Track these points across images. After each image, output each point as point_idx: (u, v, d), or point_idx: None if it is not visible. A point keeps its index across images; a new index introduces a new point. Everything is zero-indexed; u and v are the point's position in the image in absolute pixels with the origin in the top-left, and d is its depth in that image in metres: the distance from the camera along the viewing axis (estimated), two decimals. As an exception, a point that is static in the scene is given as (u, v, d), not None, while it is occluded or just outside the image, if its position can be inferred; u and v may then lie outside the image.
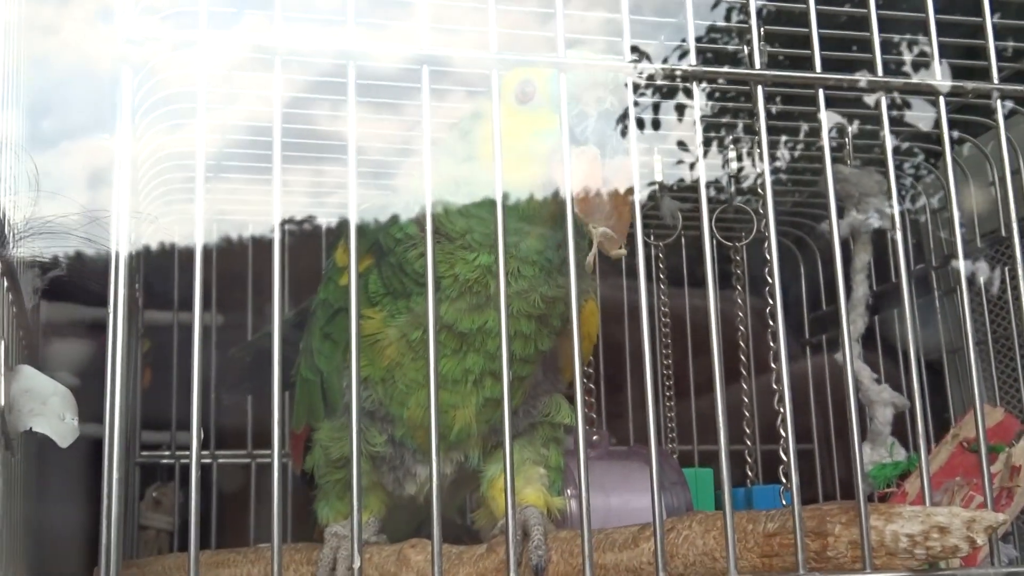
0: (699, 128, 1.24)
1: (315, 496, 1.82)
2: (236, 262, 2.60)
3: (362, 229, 1.61)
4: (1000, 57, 1.99)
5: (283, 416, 1.14)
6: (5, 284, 1.32)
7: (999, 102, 1.36)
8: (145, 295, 2.45)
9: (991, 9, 1.44)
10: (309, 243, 2.67)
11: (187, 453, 2.51)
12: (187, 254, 2.50)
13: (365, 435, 1.67)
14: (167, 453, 2.59)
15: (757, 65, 1.27)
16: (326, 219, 2.67)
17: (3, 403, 1.16)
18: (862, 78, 1.30)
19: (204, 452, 2.59)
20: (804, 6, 1.33)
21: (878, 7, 1.85)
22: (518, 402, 1.67)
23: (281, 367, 1.16)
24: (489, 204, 1.37)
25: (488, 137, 1.35)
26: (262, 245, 2.61)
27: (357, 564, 1.10)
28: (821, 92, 1.28)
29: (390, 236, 1.63)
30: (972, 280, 2.36)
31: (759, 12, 2.11)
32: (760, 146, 1.24)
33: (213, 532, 2.51)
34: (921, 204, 2.62)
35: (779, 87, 1.57)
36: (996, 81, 1.37)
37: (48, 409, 1.22)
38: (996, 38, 1.60)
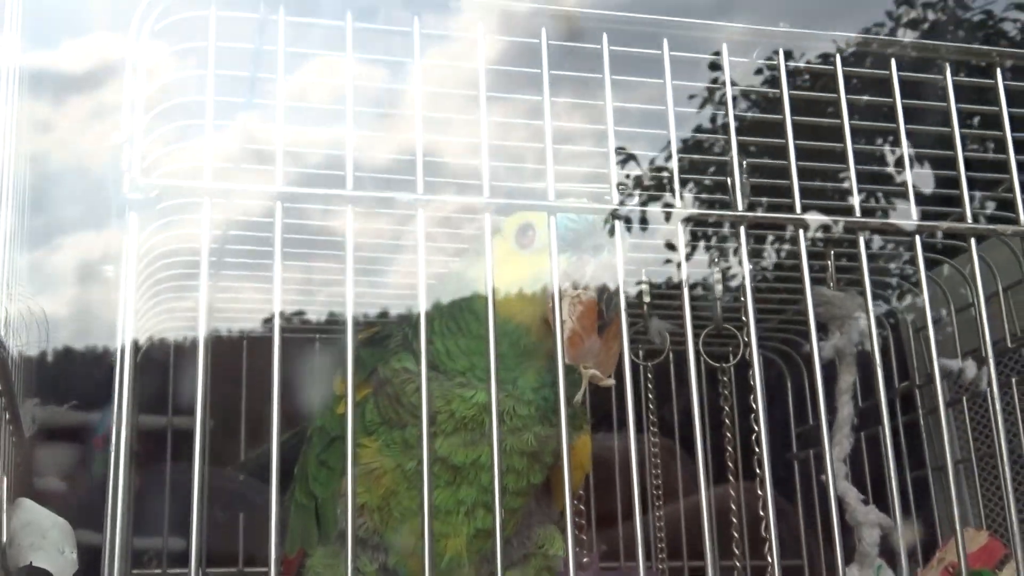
0: (684, 269, 1.28)
1: None
2: (228, 361, 2.61)
3: (360, 358, 1.65)
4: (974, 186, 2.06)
5: (279, 534, 1.14)
6: (6, 416, 1.35)
7: (974, 242, 1.41)
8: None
9: (963, 146, 1.49)
10: (299, 340, 2.68)
11: (179, 571, 2.54)
12: (181, 354, 2.50)
13: (357, 563, 1.68)
14: (158, 571, 2.56)
15: (740, 207, 1.32)
16: (316, 315, 2.69)
17: (4, 539, 1.18)
18: (841, 218, 1.35)
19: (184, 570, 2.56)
20: (782, 142, 1.39)
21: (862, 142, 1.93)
22: (510, 532, 1.70)
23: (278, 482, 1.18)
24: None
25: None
26: (255, 343, 2.62)
27: None
28: (802, 232, 1.33)
29: (388, 367, 1.66)
30: (955, 399, 2.41)
31: (743, 148, 2.19)
32: (749, 288, 1.29)
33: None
34: (903, 320, 2.66)
35: (763, 229, 1.63)
36: (970, 221, 1.42)
37: (48, 543, 1.24)
38: (973, 169, 1.67)
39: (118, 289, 1.21)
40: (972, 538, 1.80)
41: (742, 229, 1.31)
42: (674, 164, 1.31)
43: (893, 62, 1.48)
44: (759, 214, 1.33)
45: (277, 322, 1.20)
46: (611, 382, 1.52)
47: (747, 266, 1.30)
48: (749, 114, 2.01)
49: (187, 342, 2.56)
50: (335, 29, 1.30)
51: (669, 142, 1.36)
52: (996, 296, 2.23)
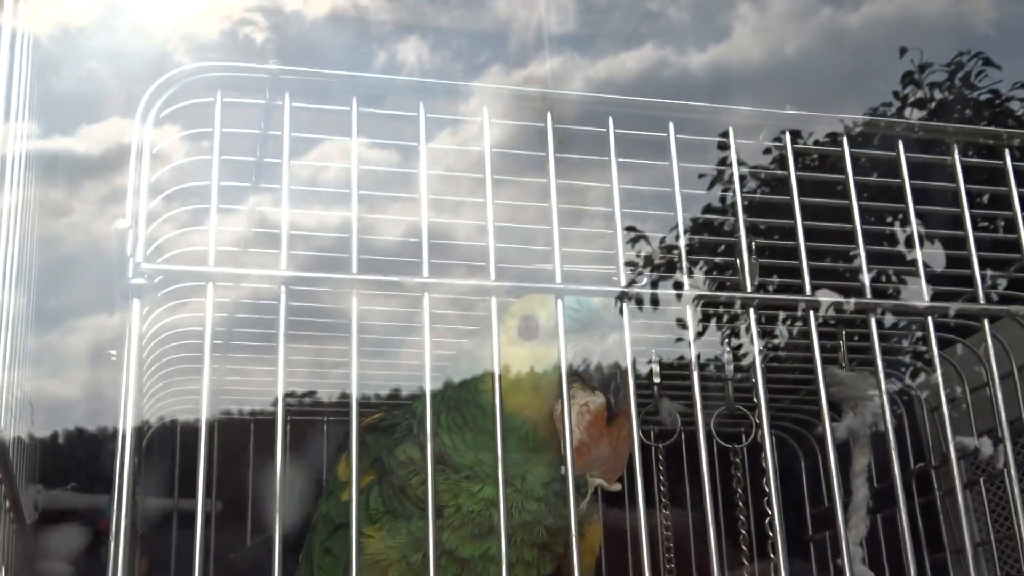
0: (694, 349, 1.27)
1: None
2: (236, 443, 2.60)
3: (365, 444, 1.64)
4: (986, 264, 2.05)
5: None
6: (6, 504, 1.33)
7: (987, 323, 1.40)
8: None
9: (974, 227, 1.49)
10: (307, 422, 2.67)
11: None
12: (188, 435, 2.49)
13: None
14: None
15: (749, 288, 1.32)
16: (327, 394, 2.68)
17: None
18: (852, 300, 1.34)
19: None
20: (791, 222, 1.38)
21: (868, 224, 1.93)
22: None
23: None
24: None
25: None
26: (263, 425, 2.61)
27: None
28: (812, 313, 1.32)
29: (393, 457, 1.65)
30: (974, 480, 2.37)
31: (752, 228, 2.19)
32: (760, 370, 1.28)
33: None
34: (917, 399, 2.64)
35: (772, 310, 1.61)
36: (982, 301, 1.41)
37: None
38: (984, 249, 1.66)
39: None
40: (993, 623, 1.76)
41: (751, 311, 1.31)
42: (682, 243, 1.30)
43: (900, 143, 1.48)
44: (769, 295, 1.32)
45: (281, 404, 1.19)
46: (618, 487, 1.52)
47: (757, 346, 1.29)
48: (758, 195, 1.99)
49: (195, 423, 2.55)
50: (344, 114, 1.30)
51: (677, 223, 1.36)
52: (1011, 375, 2.20)
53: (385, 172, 1.71)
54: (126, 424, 1.17)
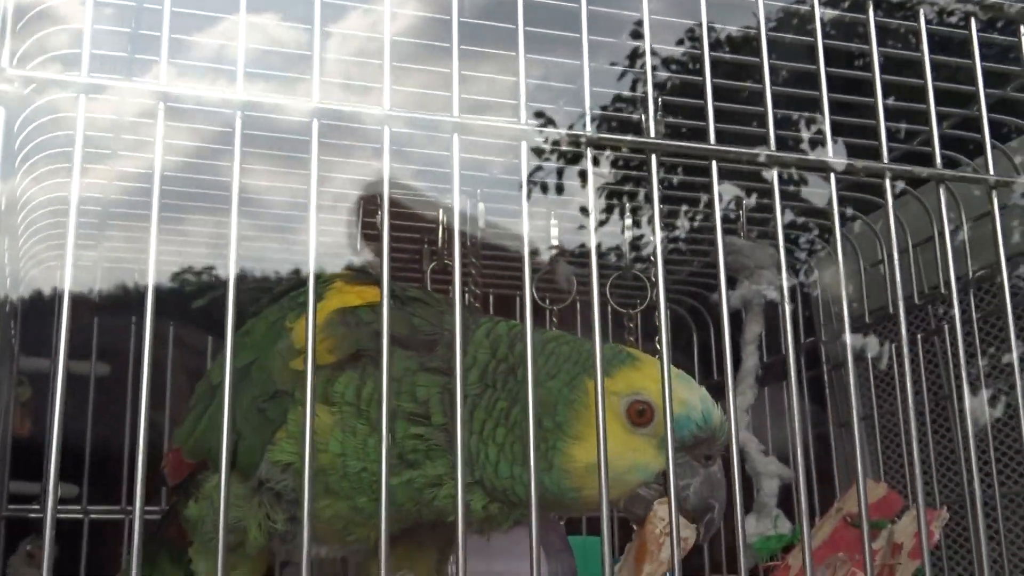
0: (592, 193, 1.22)
1: (194, 548, 1.76)
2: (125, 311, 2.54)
3: (347, 325, 1.55)
4: (893, 139, 2.05)
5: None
6: None
7: (889, 181, 1.38)
8: (26, 341, 2.37)
9: (883, 91, 1.46)
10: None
11: (59, 508, 2.46)
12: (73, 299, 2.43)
13: (269, 511, 1.61)
14: (36, 507, 2.47)
15: (652, 134, 1.27)
16: (224, 270, 2.62)
17: None
18: (756, 151, 1.30)
19: (75, 507, 2.50)
20: (700, 79, 1.33)
21: (780, 85, 1.89)
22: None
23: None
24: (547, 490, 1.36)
25: (583, 437, 1.41)
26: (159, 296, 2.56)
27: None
28: (715, 164, 1.28)
29: (410, 383, 1.52)
30: (860, 356, 2.40)
31: (661, 84, 2.15)
32: (658, 217, 1.23)
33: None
34: (813, 279, 2.66)
35: (677, 157, 1.57)
36: (887, 161, 1.38)
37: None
38: (890, 119, 1.63)
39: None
40: (871, 490, 1.79)
41: (653, 157, 1.26)
42: (585, 84, 1.24)
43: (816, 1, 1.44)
44: (672, 142, 1.27)
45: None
46: None
47: (657, 195, 1.25)
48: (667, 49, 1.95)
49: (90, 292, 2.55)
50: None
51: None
52: (906, 253, 2.22)
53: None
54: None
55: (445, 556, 1.70)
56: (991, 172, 1.47)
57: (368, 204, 2.32)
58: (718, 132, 1.31)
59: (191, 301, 2.28)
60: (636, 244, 2.47)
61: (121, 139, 2.03)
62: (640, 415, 1.43)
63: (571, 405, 1.44)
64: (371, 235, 2.30)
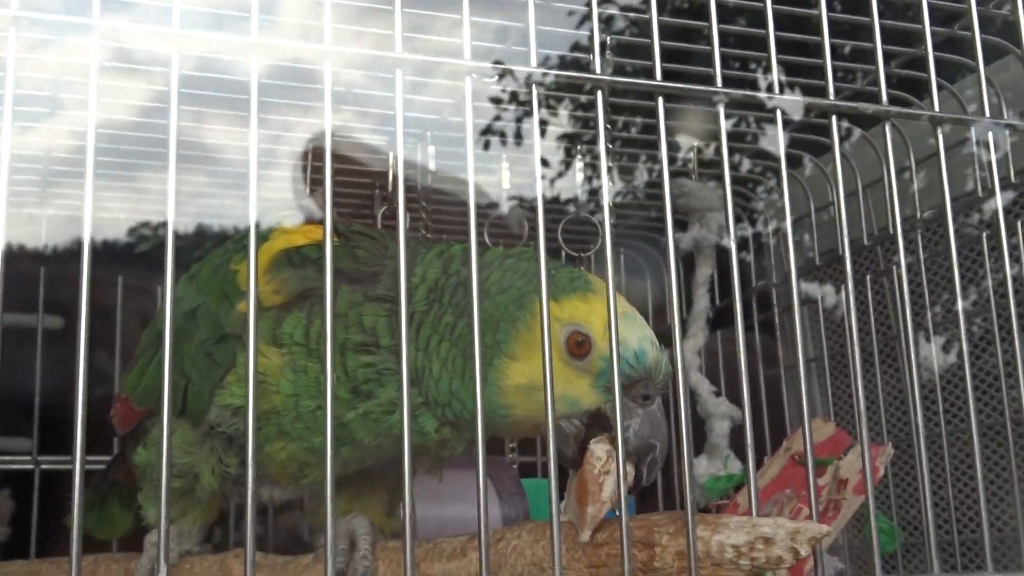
0: (536, 130, 1.22)
1: (143, 492, 1.75)
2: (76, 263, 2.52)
3: (298, 261, 1.54)
4: (843, 81, 2.05)
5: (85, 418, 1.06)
6: None
7: (835, 120, 1.38)
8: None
9: (831, 31, 1.45)
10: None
11: (10, 458, 2.45)
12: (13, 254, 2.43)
13: (221, 456, 1.62)
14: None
15: (599, 71, 1.26)
16: (183, 227, 2.60)
17: None
18: (703, 88, 1.30)
19: (26, 457, 2.48)
20: (647, 16, 1.32)
21: (726, 22, 1.88)
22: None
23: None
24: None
25: (519, 358, 1.40)
26: (111, 249, 2.55)
27: (162, 574, 1.04)
28: (661, 101, 1.27)
29: (356, 313, 1.51)
30: (810, 298, 2.41)
31: (608, 21, 2.13)
32: (605, 153, 1.23)
33: (33, 542, 2.41)
34: (767, 224, 2.66)
35: (629, 98, 1.56)
36: (833, 98, 1.38)
37: None
38: (841, 61, 1.63)
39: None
40: (819, 429, 1.81)
41: (600, 93, 1.25)
42: (530, 18, 1.23)
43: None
44: (618, 78, 1.26)
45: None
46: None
47: (603, 133, 1.24)
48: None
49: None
50: None
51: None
52: (856, 195, 2.23)
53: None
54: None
55: (396, 499, 1.71)
56: (936, 108, 1.47)
57: (318, 152, 2.31)
58: (674, 74, 1.30)
59: (135, 248, 2.27)
60: (594, 191, 2.47)
61: (71, 90, 2.01)
62: (578, 346, 1.40)
63: (514, 324, 1.43)
64: (319, 180, 2.28)
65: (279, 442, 1.56)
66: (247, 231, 1.63)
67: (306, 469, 1.60)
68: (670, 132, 2.06)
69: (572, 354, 1.40)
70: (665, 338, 1.40)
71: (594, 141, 2.40)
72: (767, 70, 1.96)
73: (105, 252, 2.59)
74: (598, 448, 1.35)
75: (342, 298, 1.51)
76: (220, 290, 1.61)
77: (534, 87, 1.23)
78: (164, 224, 2.63)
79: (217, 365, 1.58)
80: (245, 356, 1.51)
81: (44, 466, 2.50)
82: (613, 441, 1.29)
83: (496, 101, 2.49)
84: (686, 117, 2.28)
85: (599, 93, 1.25)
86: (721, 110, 1.29)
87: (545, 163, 2.50)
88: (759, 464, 1.77)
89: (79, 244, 2.63)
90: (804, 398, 1.35)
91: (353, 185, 2.41)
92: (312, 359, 1.51)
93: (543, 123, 2.31)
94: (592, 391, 1.40)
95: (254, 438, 1.10)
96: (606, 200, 1.21)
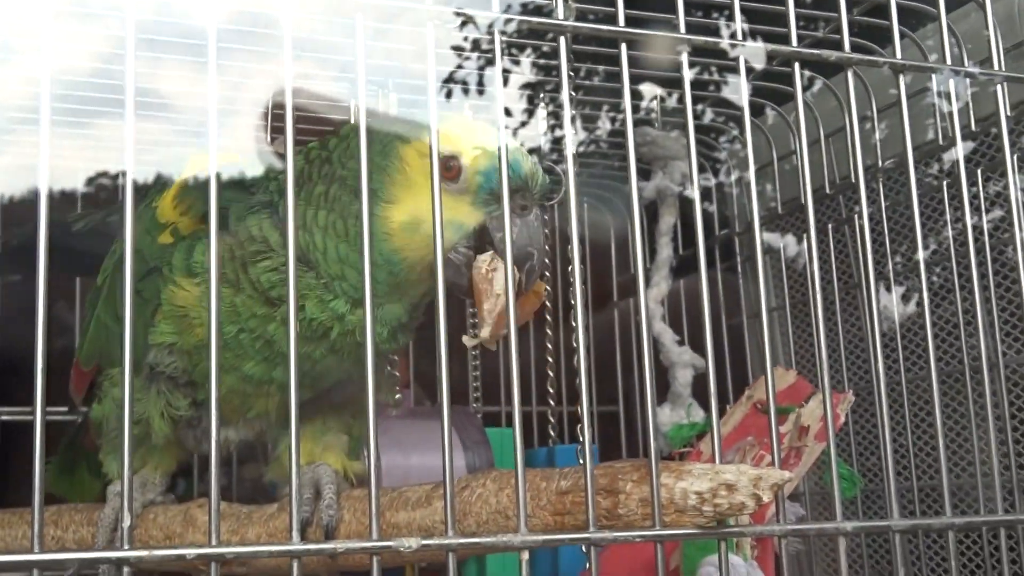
0: (499, 75, 1.21)
1: (102, 447, 1.75)
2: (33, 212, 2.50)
3: (200, 187, 1.54)
4: (806, 30, 2.04)
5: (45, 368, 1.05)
6: None
7: (798, 67, 1.37)
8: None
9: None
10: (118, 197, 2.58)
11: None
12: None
13: (168, 398, 1.62)
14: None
15: (561, 16, 1.25)
16: (143, 176, 2.58)
17: None
18: (663, 34, 1.29)
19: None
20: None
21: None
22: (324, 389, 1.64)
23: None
24: (374, 263, 1.31)
25: (397, 200, 1.43)
26: (66, 198, 2.52)
27: (127, 523, 1.04)
28: (624, 47, 1.26)
29: (243, 226, 1.54)
30: (772, 247, 2.42)
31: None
32: (568, 101, 1.22)
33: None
34: (730, 174, 2.66)
35: (591, 45, 1.54)
36: (795, 46, 1.38)
37: None
38: (803, 8, 1.62)
39: None
40: (781, 377, 1.82)
41: (563, 39, 1.24)
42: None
43: None
44: (580, 24, 1.25)
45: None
46: (493, 347, 1.46)
47: (566, 80, 1.23)
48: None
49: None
50: None
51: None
52: (818, 143, 2.23)
53: None
54: None
55: (358, 441, 1.71)
56: (898, 56, 1.47)
57: (278, 103, 2.29)
58: (636, 20, 1.29)
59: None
60: (557, 141, 2.46)
61: (24, 36, 1.97)
62: (448, 170, 1.44)
63: (384, 171, 1.46)
64: (280, 129, 2.26)
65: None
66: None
67: (248, 401, 1.61)
68: (633, 80, 2.04)
69: (443, 178, 1.41)
70: (630, 288, 1.41)
71: (556, 89, 2.39)
72: (729, 18, 1.96)
73: (63, 201, 2.56)
74: (482, 255, 1.44)
75: (233, 218, 1.54)
76: (143, 228, 1.61)
77: (496, 33, 1.21)
78: (121, 173, 2.61)
79: (146, 302, 1.59)
80: (168, 292, 1.53)
81: (3, 417, 2.48)
82: (495, 252, 1.41)
83: (458, 50, 2.46)
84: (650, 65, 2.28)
85: (561, 39, 1.24)
86: (685, 58, 1.29)
87: (508, 112, 2.49)
88: (722, 413, 1.78)
89: (35, 194, 2.61)
90: (767, 347, 1.36)
91: (313, 134, 2.39)
92: (224, 284, 1.51)
93: (505, 71, 2.29)
94: (472, 209, 1.45)
95: (217, 377, 1.09)
96: (570, 150, 1.21)
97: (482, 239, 1.46)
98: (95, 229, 1.92)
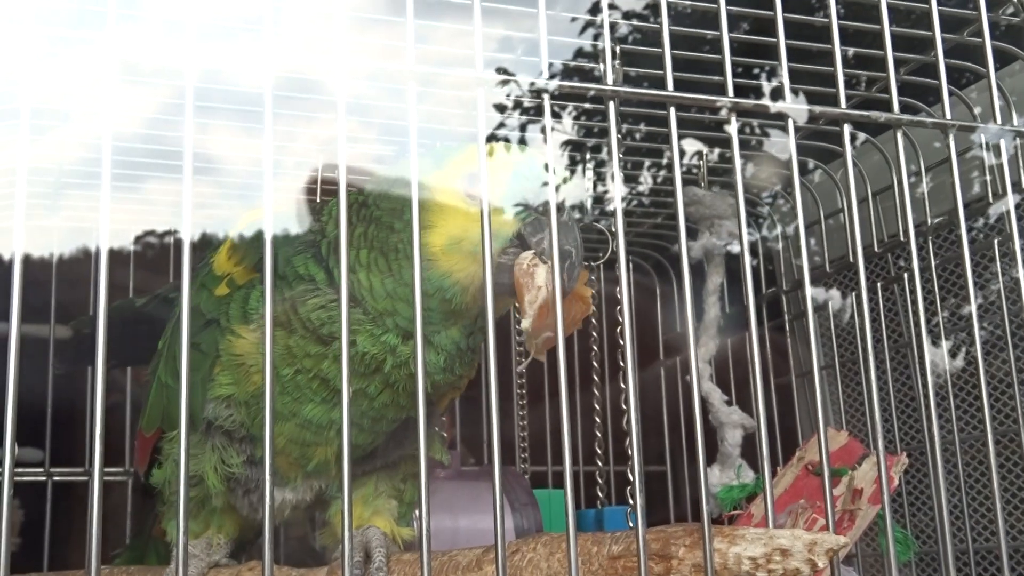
0: (550, 139, 1.21)
1: (163, 513, 1.76)
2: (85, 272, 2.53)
3: (251, 240, 1.57)
4: (852, 88, 2.04)
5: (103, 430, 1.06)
6: None
7: (847, 128, 1.37)
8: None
9: (841, 39, 1.45)
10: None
11: (22, 470, 2.45)
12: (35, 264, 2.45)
13: (222, 455, 1.63)
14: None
15: (610, 81, 1.26)
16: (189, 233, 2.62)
17: None
18: (714, 98, 1.29)
19: (39, 469, 2.49)
20: (654, 25, 1.32)
21: (741, 34, 1.88)
22: (380, 441, 1.64)
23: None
24: (425, 293, 1.35)
25: (432, 226, 1.45)
26: (116, 257, 2.55)
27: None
28: (673, 111, 1.27)
29: (291, 267, 1.57)
30: (821, 306, 2.40)
31: (623, 38, 2.13)
32: (617, 164, 1.23)
33: (46, 553, 2.41)
34: (776, 231, 2.65)
35: (636, 106, 1.54)
36: (844, 107, 1.38)
37: None
38: (850, 68, 1.62)
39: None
40: (832, 438, 1.80)
41: (612, 104, 1.25)
42: (541, 28, 1.23)
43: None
44: (629, 88, 1.26)
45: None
46: (542, 359, 1.48)
47: (615, 143, 1.24)
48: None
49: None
50: None
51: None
52: (866, 202, 2.22)
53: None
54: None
55: (406, 507, 1.71)
56: (948, 116, 1.47)
57: (328, 166, 2.32)
58: (682, 83, 1.30)
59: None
60: (600, 199, 2.47)
61: (79, 103, 2.02)
62: (478, 187, 1.46)
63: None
64: (329, 192, 2.29)
65: (277, 427, 1.57)
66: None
67: (308, 452, 1.61)
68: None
69: (474, 197, 1.48)
70: (675, 346, 1.41)
71: (598, 148, 2.40)
72: (770, 76, 1.96)
73: (113, 260, 2.60)
74: (524, 252, 1.47)
75: (281, 261, 1.57)
76: (200, 283, 1.64)
77: (546, 98, 1.22)
78: (169, 233, 2.64)
79: (204, 355, 1.60)
80: (226, 343, 1.55)
81: (56, 478, 2.50)
82: (535, 253, 1.45)
83: (500, 108, 2.48)
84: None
85: (611, 104, 1.25)
86: (734, 122, 1.29)
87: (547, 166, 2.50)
88: (772, 474, 1.77)
89: (88, 254, 2.65)
90: (819, 407, 1.35)
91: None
92: (277, 327, 1.52)
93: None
94: (505, 218, 1.49)
95: (271, 427, 1.09)
96: (619, 210, 1.21)
97: (524, 243, 1.50)
98: (157, 311, 1.96)
